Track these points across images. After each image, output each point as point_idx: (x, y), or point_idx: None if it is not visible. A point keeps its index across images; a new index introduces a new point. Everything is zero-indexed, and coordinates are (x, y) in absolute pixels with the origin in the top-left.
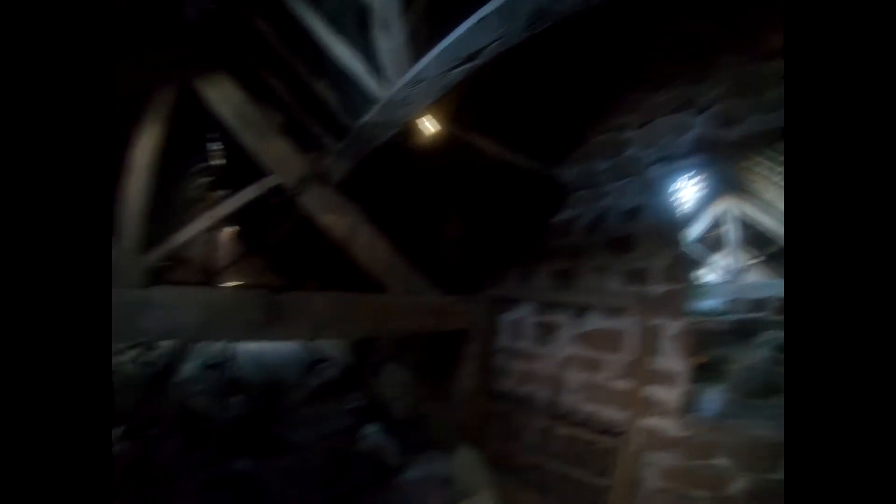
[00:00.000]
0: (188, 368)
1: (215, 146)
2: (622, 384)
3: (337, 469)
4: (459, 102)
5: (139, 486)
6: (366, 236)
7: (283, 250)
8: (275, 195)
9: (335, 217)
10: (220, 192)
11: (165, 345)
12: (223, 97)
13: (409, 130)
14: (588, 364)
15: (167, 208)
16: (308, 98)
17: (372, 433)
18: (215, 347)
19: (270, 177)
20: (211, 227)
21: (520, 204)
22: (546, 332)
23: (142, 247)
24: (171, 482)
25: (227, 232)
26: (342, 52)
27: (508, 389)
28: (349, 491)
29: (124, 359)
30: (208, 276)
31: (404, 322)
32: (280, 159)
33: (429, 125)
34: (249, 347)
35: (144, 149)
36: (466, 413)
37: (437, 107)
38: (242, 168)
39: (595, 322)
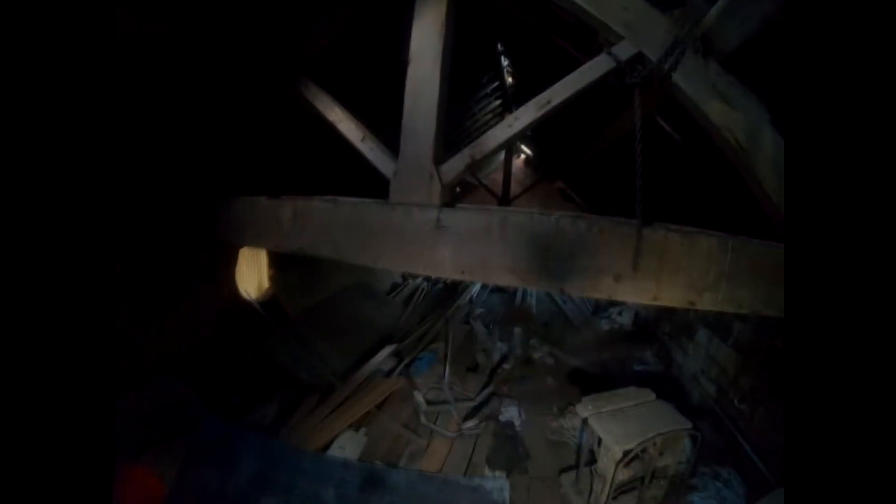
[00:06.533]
0: (475, 289)
1: (506, 60)
2: None
3: None
4: None
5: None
6: (773, 147)
7: (603, 166)
8: (631, 71)
9: (723, 108)
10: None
11: None
12: None
13: None
14: None
15: (460, 131)
16: None
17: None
18: None
19: (618, 45)
20: (514, 137)
21: None
22: None
23: (436, 155)
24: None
25: (520, 160)
26: None
27: None
28: None
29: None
30: (501, 203)
31: None
32: (629, 19)
33: None
34: None
35: (425, 33)
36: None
37: None
38: (540, 77)
39: None
